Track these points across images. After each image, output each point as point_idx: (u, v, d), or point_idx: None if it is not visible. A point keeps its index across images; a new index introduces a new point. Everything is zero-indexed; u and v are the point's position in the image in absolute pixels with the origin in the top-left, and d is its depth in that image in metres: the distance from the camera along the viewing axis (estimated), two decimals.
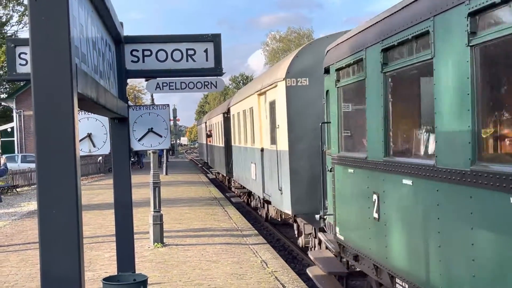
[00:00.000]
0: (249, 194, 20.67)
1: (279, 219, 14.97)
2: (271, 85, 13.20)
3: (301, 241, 12.26)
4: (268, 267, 10.28)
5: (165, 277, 9.68)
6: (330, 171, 8.61)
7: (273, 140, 13.35)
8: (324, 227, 9.68)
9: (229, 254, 11.45)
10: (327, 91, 9.00)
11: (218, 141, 29.85)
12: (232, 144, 22.84)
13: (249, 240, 12.95)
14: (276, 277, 9.55)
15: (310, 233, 11.76)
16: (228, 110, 24.45)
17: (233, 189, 24.74)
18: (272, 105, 13.36)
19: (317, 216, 9.48)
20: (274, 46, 76.31)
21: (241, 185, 21.25)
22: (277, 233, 16.13)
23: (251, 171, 17.30)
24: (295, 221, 12.85)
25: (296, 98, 11.81)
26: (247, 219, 16.89)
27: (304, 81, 11.83)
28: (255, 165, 16.37)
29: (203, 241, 12.85)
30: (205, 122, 40.21)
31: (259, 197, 17.14)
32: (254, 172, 16.55)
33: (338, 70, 7.97)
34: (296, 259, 13.28)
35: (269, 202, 15.18)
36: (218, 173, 33.09)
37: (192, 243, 12.71)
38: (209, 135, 34.39)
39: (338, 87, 7.99)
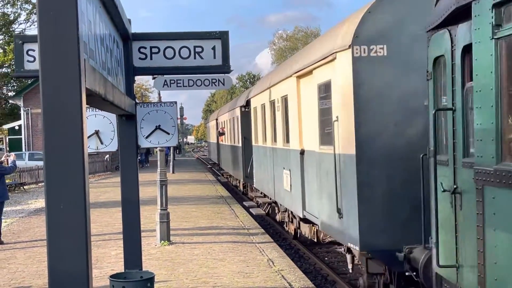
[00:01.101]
0: (270, 203, 16.55)
1: (315, 240, 11.76)
2: (323, 59, 8.98)
3: (362, 283, 8.46)
4: (274, 265, 10.26)
5: (171, 275, 9.68)
6: (454, 192, 5.25)
7: (326, 139, 9.30)
8: (410, 272, 6.92)
9: (236, 252, 11.43)
10: (438, 58, 5.74)
11: (233, 139, 25.33)
12: (253, 143, 18.56)
13: (256, 239, 12.93)
14: (282, 275, 9.53)
15: (381, 274, 8.08)
16: (248, 102, 20.07)
17: (250, 195, 20.87)
18: (324, 88, 9.32)
19: (400, 255, 6.82)
20: (281, 45, 76.33)
21: (264, 194, 17.25)
22: (284, 232, 16.10)
23: (282, 180, 13.11)
24: (349, 251, 8.91)
25: (368, 76, 7.88)
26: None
27: (380, 49, 7.82)
28: (289, 172, 12.22)
29: (209, 240, 12.84)
30: (216, 119, 35.27)
31: (291, 212, 13.08)
32: (288, 181, 12.39)
33: (500, 5, 4.32)
34: (302, 258, 13.25)
35: (310, 222, 11.36)
36: (231, 176, 29.52)
37: (199, 241, 12.70)
38: (221, 133, 30.17)
39: (499, 39, 4.33)
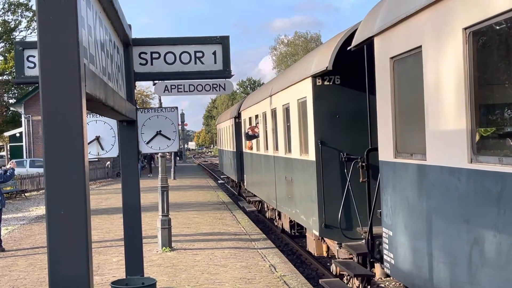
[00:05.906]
0: None
1: None
2: None
3: None
4: (276, 271, 10.22)
5: (173, 281, 9.64)
6: None
7: None
8: None
9: (238, 258, 11.39)
10: None
11: (284, 146, 13.52)
12: (387, 158, 6.77)
13: (258, 245, 12.89)
14: (284, 281, 9.48)
15: None
16: (356, 52, 8.23)
17: (339, 271, 10.53)
18: None
19: None
20: (282, 51, 76.39)
21: None
22: (286, 238, 16.05)
23: None
24: None
25: None
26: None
27: None
28: None
29: (211, 246, 12.80)
30: (236, 117, 23.85)
31: None
32: None
33: None
34: (304, 263, 13.21)
35: None
36: (260, 202, 19.61)
37: (201, 247, 12.66)
38: (250, 136, 18.29)
39: None
